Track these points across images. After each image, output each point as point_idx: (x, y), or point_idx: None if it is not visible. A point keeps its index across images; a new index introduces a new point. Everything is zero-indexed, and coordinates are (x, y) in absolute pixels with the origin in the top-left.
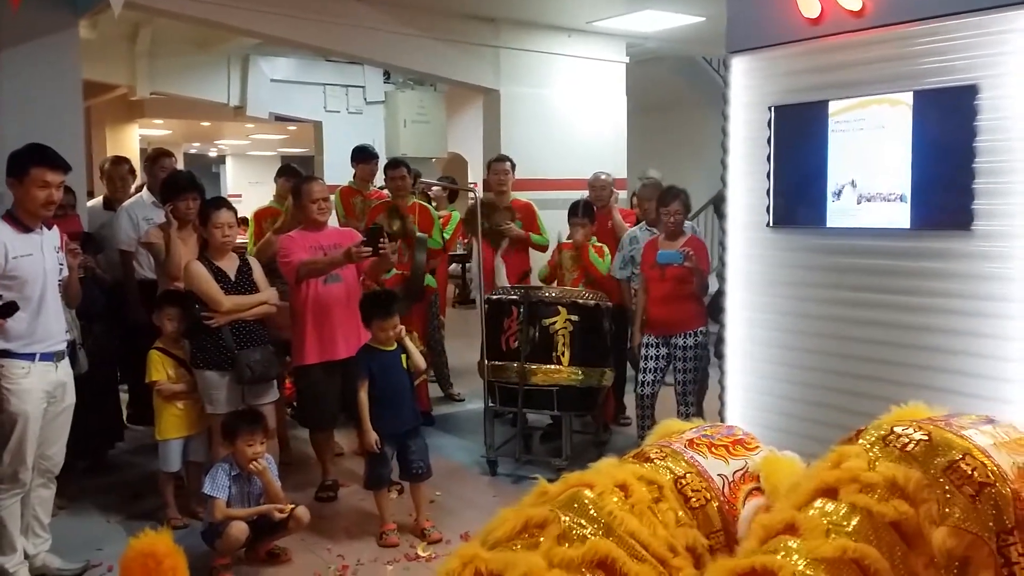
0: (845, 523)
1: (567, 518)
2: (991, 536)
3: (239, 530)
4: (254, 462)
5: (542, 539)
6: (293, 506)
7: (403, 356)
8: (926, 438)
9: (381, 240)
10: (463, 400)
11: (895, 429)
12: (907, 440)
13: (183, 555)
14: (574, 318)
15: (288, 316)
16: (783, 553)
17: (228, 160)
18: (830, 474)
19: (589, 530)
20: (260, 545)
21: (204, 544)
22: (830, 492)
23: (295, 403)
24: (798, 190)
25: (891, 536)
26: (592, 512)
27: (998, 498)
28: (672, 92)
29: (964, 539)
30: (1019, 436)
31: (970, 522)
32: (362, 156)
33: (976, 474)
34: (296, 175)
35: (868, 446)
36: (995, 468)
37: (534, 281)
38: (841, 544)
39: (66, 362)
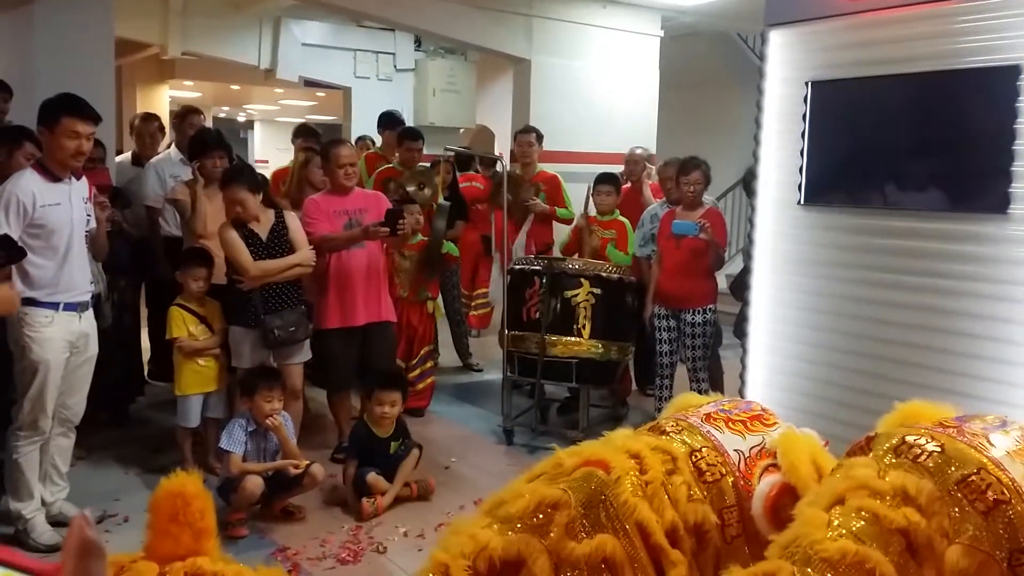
0: (850, 525)
1: (580, 507)
2: (1004, 556)
3: (254, 484)
4: (270, 418)
5: (552, 528)
6: (309, 463)
7: (393, 444)
8: (939, 449)
9: (400, 221)
10: (481, 370)
11: (907, 439)
12: (919, 451)
13: (211, 498)
14: (596, 291)
15: (310, 280)
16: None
17: (256, 125)
18: (840, 483)
19: (601, 516)
20: (276, 501)
21: (220, 499)
22: (840, 502)
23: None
24: (832, 168)
25: (898, 543)
26: (604, 498)
27: (1013, 516)
28: (705, 69)
29: (977, 558)
30: None
31: (983, 540)
32: (390, 123)
33: (990, 491)
34: (313, 135)
35: (880, 456)
36: (1009, 483)
37: (556, 253)
38: (842, 546)
39: (90, 313)
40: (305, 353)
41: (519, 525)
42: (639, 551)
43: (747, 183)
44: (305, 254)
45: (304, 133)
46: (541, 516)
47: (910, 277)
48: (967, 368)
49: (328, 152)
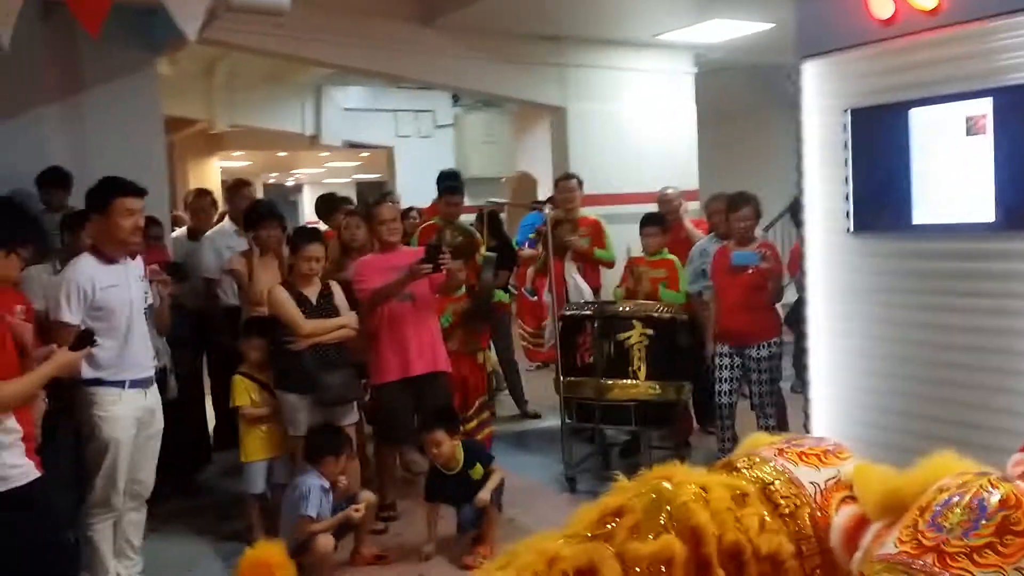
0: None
1: (642, 509)
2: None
3: (325, 542)
4: (343, 475)
5: (618, 533)
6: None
7: (472, 472)
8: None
9: (441, 255)
10: (539, 417)
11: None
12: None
13: (294, 567)
14: (649, 332)
15: (362, 340)
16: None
17: (305, 188)
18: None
19: (662, 519)
20: (361, 547)
21: None
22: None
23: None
24: (879, 194)
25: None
26: (667, 504)
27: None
28: (742, 102)
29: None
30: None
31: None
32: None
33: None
34: (335, 203)
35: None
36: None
37: (606, 298)
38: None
39: (155, 388)
40: (354, 415)
41: (586, 535)
42: (691, 558)
43: (795, 213)
44: (352, 317)
45: (332, 206)
46: (607, 524)
47: (966, 299)
48: None
49: (369, 213)
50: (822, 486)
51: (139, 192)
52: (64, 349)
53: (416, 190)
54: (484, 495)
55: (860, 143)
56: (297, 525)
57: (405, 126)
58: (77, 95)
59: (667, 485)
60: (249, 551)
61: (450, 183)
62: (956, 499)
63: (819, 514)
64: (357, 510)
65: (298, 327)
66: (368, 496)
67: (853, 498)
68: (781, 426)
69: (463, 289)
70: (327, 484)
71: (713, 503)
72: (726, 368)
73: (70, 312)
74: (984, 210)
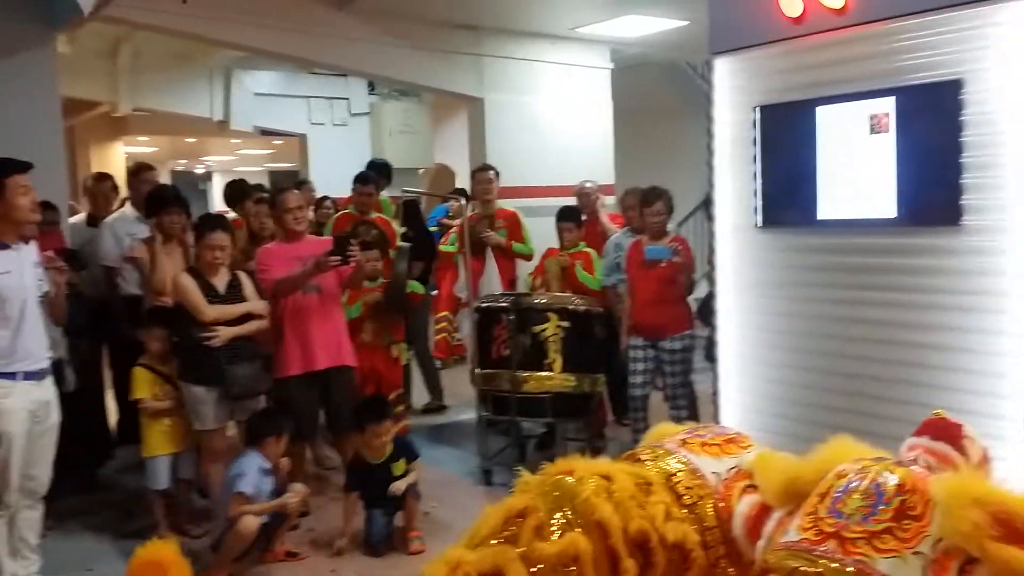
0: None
1: (545, 508)
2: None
3: (249, 523)
4: (284, 458)
5: (523, 534)
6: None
7: (395, 466)
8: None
9: (350, 247)
10: (446, 408)
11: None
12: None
13: (188, 565)
14: (565, 324)
15: (269, 331)
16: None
17: (215, 177)
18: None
19: (565, 518)
20: (275, 542)
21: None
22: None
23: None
24: (786, 190)
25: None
26: (568, 499)
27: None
28: (657, 98)
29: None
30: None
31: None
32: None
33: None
34: (245, 191)
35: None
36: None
37: (521, 290)
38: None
39: (50, 380)
40: (260, 407)
41: (492, 541)
42: (599, 552)
43: (708, 208)
44: (259, 304)
45: (242, 194)
46: (512, 527)
47: (871, 292)
48: (929, 379)
49: (275, 200)
50: (724, 476)
51: (28, 166)
52: None
53: (330, 179)
54: (400, 485)
55: (768, 139)
56: (230, 502)
57: (319, 113)
58: None
59: (569, 480)
60: (140, 549)
61: (361, 172)
62: (855, 484)
63: (721, 504)
64: (295, 496)
65: (201, 313)
66: (299, 487)
67: (755, 487)
68: (693, 417)
69: (379, 280)
70: (268, 465)
71: (616, 493)
72: (639, 360)
73: None
74: (886, 206)
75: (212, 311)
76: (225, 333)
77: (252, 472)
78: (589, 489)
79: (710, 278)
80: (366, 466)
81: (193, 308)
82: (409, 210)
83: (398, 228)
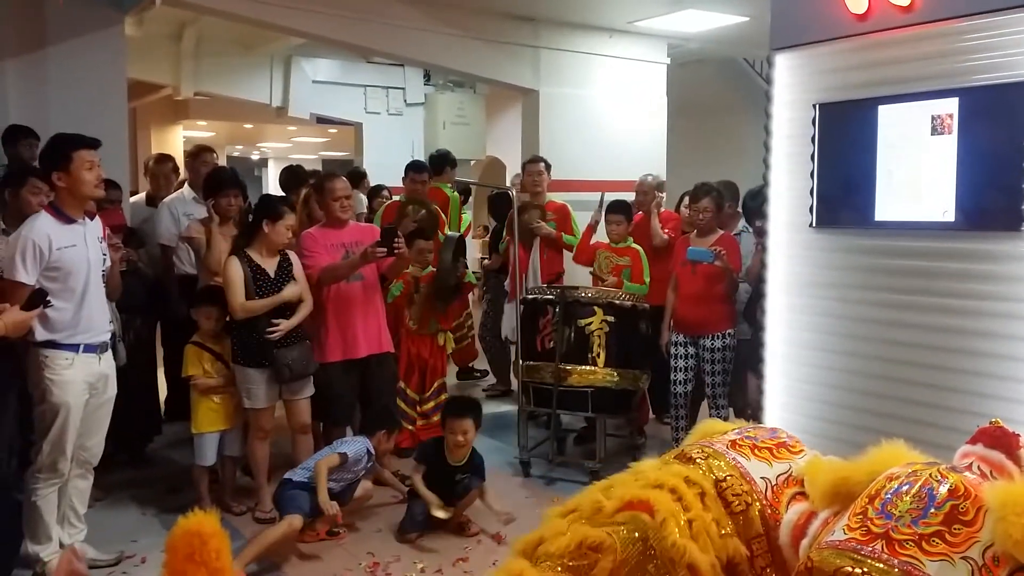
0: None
1: (622, 548)
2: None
3: (368, 486)
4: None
5: (596, 573)
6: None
7: (460, 476)
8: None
9: (396, 240)
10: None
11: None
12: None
13: (227, 537)
14: (610, 319)
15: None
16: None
17: (270, 163)
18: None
19: (651, 567)
20: (319, 524)
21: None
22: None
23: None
24: (843, 189)
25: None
26: (652, 544)
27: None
28: (713, 95)
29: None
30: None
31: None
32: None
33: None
34: (301, 177)
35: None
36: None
37: (568, 282)
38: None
39: (109, 354)
40: (310, 388)
41: (560, 565)
42: None
43: (746, 206)
44: (297, 290)
45: (298, 180)
46: (584, 558)
47: (925, 297)
48: (981, 386)
49: (323, 186)
50: (773, 482)
51: (96, 143)
52: (15, 308)
53: (384, 169)
54: (442, 514)
55: (827, 138)
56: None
57: (375, 102)
58: (39, 51)
59: (647, 519)
60: (182, 520)
61: (414, 160)
62: (906, 487)
63: (769, 511)
64: (362, 491)
65: (233, 308)
66: (368, 486)
67: (804, 495)
68: (738, 415)
69: (427, 268)
70: (372, 451)
71: (696, 522)
72: (681, 357)
73: (25, 272)
74: (945, 210)
75: (242, 309)
76: (285, 327)
77: (359, 445)
78: (673, 532)
79: (760, 277)
80: (442, 461)
81: (229, 298)
82: (496, 204)
83: (469, 219)
